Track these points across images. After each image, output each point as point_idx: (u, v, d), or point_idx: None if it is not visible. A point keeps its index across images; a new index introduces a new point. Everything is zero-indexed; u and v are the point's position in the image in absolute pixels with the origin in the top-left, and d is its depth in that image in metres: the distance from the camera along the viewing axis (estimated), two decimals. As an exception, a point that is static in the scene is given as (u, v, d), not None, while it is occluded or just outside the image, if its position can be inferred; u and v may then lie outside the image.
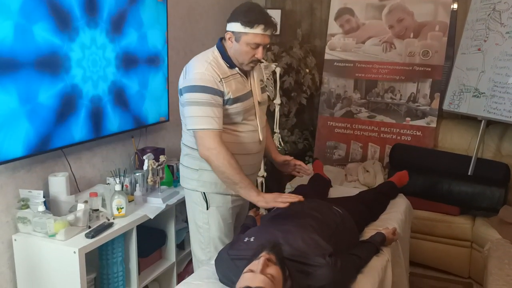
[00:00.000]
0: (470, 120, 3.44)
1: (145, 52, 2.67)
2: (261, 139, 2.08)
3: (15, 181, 2.04)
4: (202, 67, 1.87)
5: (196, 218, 2.09)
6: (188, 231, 2.24)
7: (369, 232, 2.12)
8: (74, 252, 1.88)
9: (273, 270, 1.39)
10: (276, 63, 3.32)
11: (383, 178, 3.38)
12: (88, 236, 1.97)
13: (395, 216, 2.37)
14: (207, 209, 2.04)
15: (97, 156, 2.52)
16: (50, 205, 2.14)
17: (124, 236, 2.20)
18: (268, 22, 1.86)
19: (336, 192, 2.72)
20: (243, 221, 2.19)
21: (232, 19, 1.88)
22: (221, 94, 1.87)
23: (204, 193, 2.03)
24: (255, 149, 2.09)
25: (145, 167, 2.49)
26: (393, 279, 1.97)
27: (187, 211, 2.16)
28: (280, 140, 3.40)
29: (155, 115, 2.84)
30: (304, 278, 1.52)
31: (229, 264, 1.60)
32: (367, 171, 3.50)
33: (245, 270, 1.41)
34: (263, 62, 3.15)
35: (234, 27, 1.87)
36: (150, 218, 2.28)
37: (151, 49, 2.74)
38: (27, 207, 2.02)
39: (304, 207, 1.91)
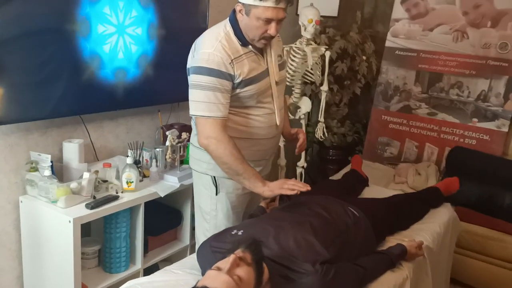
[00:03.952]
0: (550, 127, 2.94)
1: (182, 26, 2.55)
2: (277, 123, 1.88)
3: (27, 142, 2.03)
4: (211, 46, 1.69)
5: (202, 203, 1.94)
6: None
7: (392, 242, 1.84)
8: (69, 222, 1.82)
9: (243, 271, 1.21)
10: (327, 47, 3.06)
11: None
12: (87, 206, 1.91)
13: (431, 227, 2.05)
14: (216, 194, 1.89)
15: (121, 127, 2.46)
16: (63, 171, 2.12)
17: (130, 211, 2.12)
18: None
19: (371, 192, 2.45)
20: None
21: None
22: (229, 77, 1.69)
23: (214, 177, 1.87)
24: (271, 134, 1.89)
25: (167, 143, 2.40)
26: (415, 299, 1.69)
27: (194, 195, 2.02)
28: (324, 130, 3.14)
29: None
30: (286, 284, 1.32)
31: (209, 256, 1.44)
32: (419, 173, 3.14)
33: (213, 267, 1.24)
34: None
35: None
36: (161, 196, 2.18)
37: (190, 23, 2.61)
38: (36, 170, 2.01)
39: (313, 204, 1.69)
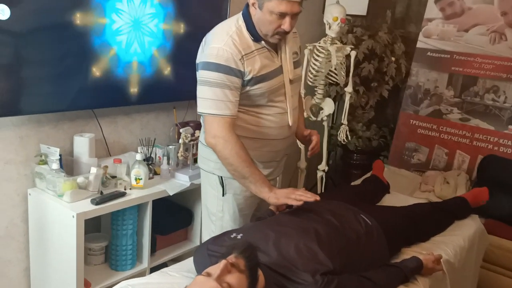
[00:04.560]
0: None
1: (201, 21, 2.49)
2: (290, 123, 1.78)
3: (38, 135, 2.02)
4: (221, 41, 1.61)
5: (209, 204, 1.87)
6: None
7: (408, 254, 1.71)
8: (73, 217, 1.79)
9: (235, 278, 1.13)
10: (352, 46, 2.93)
11: (465, 194, 2.82)
12: (93, 202, 1.88)
13: (454, 240, 1.90)
14: (223, 195, 1.82)
15: (135, 123, 2.42)
16: (73, 165, 2.10)
17: (138, 209, 2.07)
18: None
19: (392, 199, 2.31)
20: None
21: None
22: (239, 74, 1.61)
23: (221, 177, 1.80)
24: (283, 135, 1.79)
25: (180, 141, 2.34)
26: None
27: (201, 194, 1.95)
28: (348, 133, 3.01)
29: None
30: (282, 295, 1.22)
31: (205, 259, 1.37)
32: (447, 182, 2.96)
33: (203, 272, 1.16)
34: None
35: None
36: (170, 195, 2.13)
37: (209, 18, 2.55)
38: (45, 163, 1.99)
39: (322, 210, 1.58)
